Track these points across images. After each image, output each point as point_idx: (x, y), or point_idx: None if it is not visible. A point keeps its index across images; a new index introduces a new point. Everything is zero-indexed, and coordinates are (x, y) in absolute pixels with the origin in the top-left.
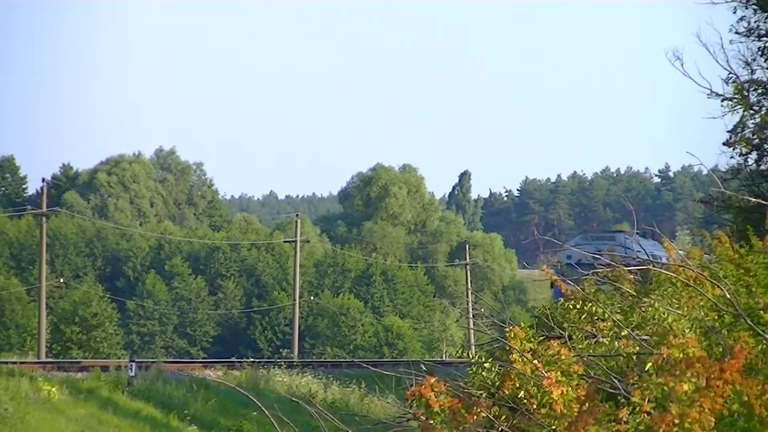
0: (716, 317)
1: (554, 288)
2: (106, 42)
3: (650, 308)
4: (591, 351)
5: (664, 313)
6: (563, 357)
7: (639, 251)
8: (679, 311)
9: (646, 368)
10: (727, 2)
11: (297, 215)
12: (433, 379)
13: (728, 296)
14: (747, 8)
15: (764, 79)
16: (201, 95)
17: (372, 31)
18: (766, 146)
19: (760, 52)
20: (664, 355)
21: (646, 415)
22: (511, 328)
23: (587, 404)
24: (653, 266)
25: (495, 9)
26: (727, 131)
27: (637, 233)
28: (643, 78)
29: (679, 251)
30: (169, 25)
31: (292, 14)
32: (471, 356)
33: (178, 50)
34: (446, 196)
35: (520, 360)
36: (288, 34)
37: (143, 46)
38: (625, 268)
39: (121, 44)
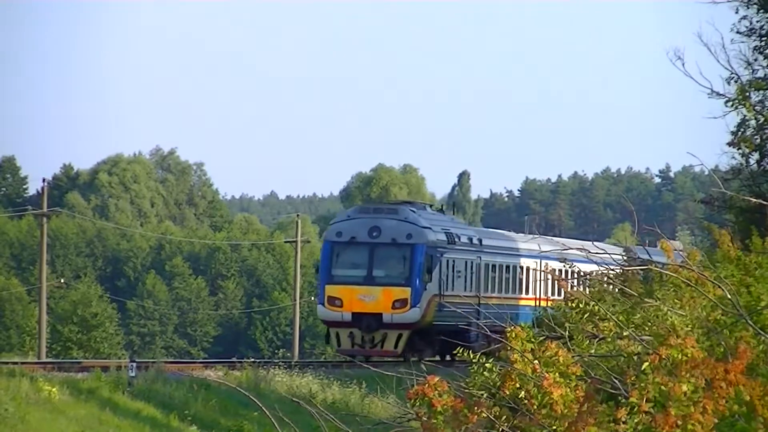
0: (716, 318)
1: None
2: (106, 42)
3: (652, 308)
4: (592, 351)
5: (666, 313)
6: (561, 358)
7: (426, 228)
8: (680, 311)
9: (643, 368)
10: (728, 1)
11: (297, 215)
12: (436, 379)
13: (729, 296)
14: (748, 8)
15: (766, 78)
16: (201, 95)
17: (372, 31)
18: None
19: (759, 51)
20: (663, 355)
21: (644, 414)
22: (512, 328)
23: (586, 405)
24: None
25: (495, 9)
26: (731, 132)
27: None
28: (644, 78)
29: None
30: (169, 24)
31: (292, 14)
32: (471, 356)
33: (178, 50)
34: (446, 196)
35: (521, 360)
36: (288, 34)
37: (143, 45)
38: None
39: (121, 44)
